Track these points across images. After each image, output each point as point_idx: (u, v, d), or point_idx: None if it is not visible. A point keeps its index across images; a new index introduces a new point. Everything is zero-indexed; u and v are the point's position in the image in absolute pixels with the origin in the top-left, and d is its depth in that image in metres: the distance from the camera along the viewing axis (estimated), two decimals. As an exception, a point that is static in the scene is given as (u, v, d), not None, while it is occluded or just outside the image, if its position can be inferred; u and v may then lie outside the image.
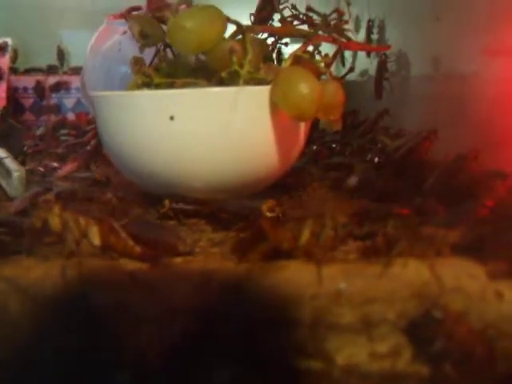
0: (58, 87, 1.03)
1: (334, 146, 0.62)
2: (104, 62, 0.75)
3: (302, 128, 0.44)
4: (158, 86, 0.42)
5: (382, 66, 0.65)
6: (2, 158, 0.57)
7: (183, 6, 0.43)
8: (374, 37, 0.74)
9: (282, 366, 0.23)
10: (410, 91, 0.67)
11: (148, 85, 0.42)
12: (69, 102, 1.04)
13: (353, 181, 0.42)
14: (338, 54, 0.51)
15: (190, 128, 0.38)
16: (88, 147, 0.73)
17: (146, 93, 0.40)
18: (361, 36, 0.84)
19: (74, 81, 1.03)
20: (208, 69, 0.45)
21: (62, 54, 1.08)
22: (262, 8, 0.53)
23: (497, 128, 0.49)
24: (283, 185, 0.47)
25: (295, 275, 0.23)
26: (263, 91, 0.39)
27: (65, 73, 1.06)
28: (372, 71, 0.71)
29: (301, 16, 0.50)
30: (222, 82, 0.41)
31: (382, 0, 0.76)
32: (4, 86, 1.00)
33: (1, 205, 0.48)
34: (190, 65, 0.47)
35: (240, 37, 0.43)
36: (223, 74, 0.41)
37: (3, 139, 0.70)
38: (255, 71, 0.41)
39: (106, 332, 0.23)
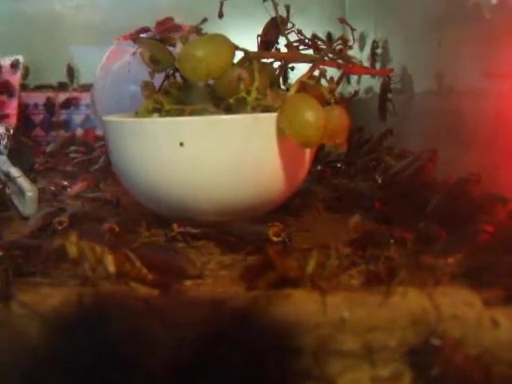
0: (67, 104, 1.05)
1: (338, 165, 0.63)
2: (114, 82, 0.76)
3: (308, 152, 0.45)
4: (168, 112, 0.43)
5: (385, 88, 0.66)
6: (16, 177, 0.59)
7: (193, 34, 0.45)
8: (378, 57, 0.76)
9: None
10: (414, 110, 0.68)
11: (158, 110, 0.43)
12: (78, 118, 1.06)
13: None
14: (343, 78, 0.52)
15: (199, 154, 0.39)
16: (97, 165, 0.74)
17: (157, 120, 0.41)
18: (365, 53, 0.86)
19: (84, 97, 1.05)
20: (216, 94, 0.46)
21: (71, 72, 1.10)
22: (267, 32, 0.55)
23: (498, 148, 0.50)
24: (288, 206, 0.48)
25: (300, 304, 0.24)
26: (270, 118, 0.40)
27: (74, 90, 1.08)
28: (377, 88, 0.72)
29: (306, 41, 0.52)
30: (229, 109, 0.43)
31: (388, 21, 0.77)
32: (15, 102, 1.03)
33: (14, 224, 0.50)
34: (198, 89, 0.49)
35: (247, 63, 0.44)
36: (231, 101, 0.42)
37: (15, 157, 0.72)
38: (262, 98, 0.43)
39: (120, 357, 0.24)
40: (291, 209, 0.49)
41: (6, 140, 0.73)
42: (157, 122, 0.40)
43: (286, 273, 0.26)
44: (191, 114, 0.42)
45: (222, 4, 0.48)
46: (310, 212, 0.50)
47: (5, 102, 1.02)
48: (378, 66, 0.76)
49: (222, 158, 0.40)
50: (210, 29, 0.53)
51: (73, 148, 0.88)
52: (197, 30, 0.45)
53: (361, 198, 0.52)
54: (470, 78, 0.55)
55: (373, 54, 0.74)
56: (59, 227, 0.41)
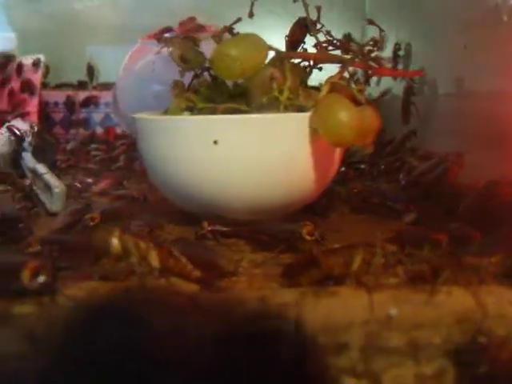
0: (87, 102, 1.05)
1: (361, 166, 0.64)
2: (137, 81, 0.77)
3: (338, 152, 0.45)
4: (200, 110, 0.43)
5: (409, 91, 0.66)
6: (43, 174, 0.59)
7: (226, 34, 0.45)
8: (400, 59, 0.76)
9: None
10: (437, 112, 0.68)
11: (190, 108, 0.43)
12: (97, 116, 1.06)
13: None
14: (370, 79, 0.52)
15: (232, 152, 0.39)
16: (119, 163, 0.75)
17: (192, 118, 0.41)
18: (385, 54, 0.86)
19: (103, 96, 1.06)
20: (245, 93, 0.47)
21: (91, 70, 1.10)
22: (294, 32, 0.55)
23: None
24: (314, 206, 0.48)
25: (347, 301, 0.25)
26: (303, 118, 0.40)
27: (94, 88, 1.09)
28: (396, 90, 0.72)
29: (335, 41, 0.52)
30: (261, 108, 0.43)
31: (410, 24, 0.78)
32: (36, 101, 1.04)
33: (41, 220, 0.50)
34: (227, 89, 0.49)
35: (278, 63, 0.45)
36: (263, 100, 0.42)
37: (38, 154, 0.73)
38: (294, 97, 0.43)
39: (162, 352, 0.24)
40: (317, 209, 0.49)
41: (30, 137, 0.74)
42: (191, 120, 0.40)
43: (331, 270, 0.26)
44: (223, 112, 0.42)
45: (252, 4, 0.49)
46: (336, 212, 0.51)
47: (26, 99, 1.04)
48: (400, 68, 0.76)
49: (254, 156, 0.40)
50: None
51: (93, 146, 0.89)
52: (229, 30, 0.45)
53: (385, 199, 0.52)
54: (495, 80, 0.55)
55: (395, 57, 0.74)
56: (91, 223, 0.42)
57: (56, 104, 1.08)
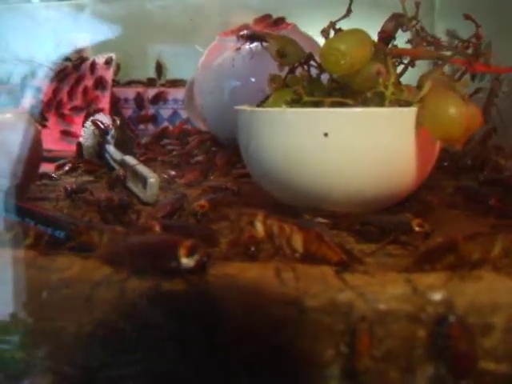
0: (156, 99, 1.08)
1: (444, 164, 0.63)
2: (214, 77, 0.79)
3: (438, 147, 0.46)
4: (305, 104, 0.44)
5: (494, 91, 0.65)
6: (134, 165, 0.62)
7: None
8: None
9: (470, 369, 0.25)
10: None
11: (295, 102, 0.45)
12: (165, 112, 1.09)
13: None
14: (464, 75, 0.52)
15: (342, 145, 0.40)
16: (197, 158, 0.77)
17: (306, 110, 0.42)
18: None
19: (171, 93, 1.09)
20: (343, 88, 0.47)
21: (160, 68, 1.13)
22: (386, 28, 0.55)
23: None
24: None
25: (492, 284, 0.25)
26: (411, 113, 0.41)
27: (162, 85, 1.12)
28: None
29: (428, 38, 0.52)
30: (366, 102, 0.44)
31: (490, 22, 0.77)
32: (108, 97, 1.08)
33: (136, 210, 0.52)
34: (322, 84, 0.50)
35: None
36: (369, 95, 0.43)
37: (120, 147, 0.76)
38: (398, 92, 0.44)
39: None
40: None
41: (113, 131, 0.77)
42: (305, 112, 0.41)
43: (469, 256, 0.27)
44: (330, 106, 0.43)
45: (351, 1, 0.49)
46: (428, 207, 0.51)
47: (99, 96, 1.07)
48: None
49: (363, 148, 0.41)
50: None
51: (167, 141, 0.91)
52: (333, 26, 0.46)
53: (476, 194, 0.52)
54: None
55: (475, 54, 0.73)
56: (200, 211, 0.43)
57: (126, 100, 1.11)
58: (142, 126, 1.09)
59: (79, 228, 0.34)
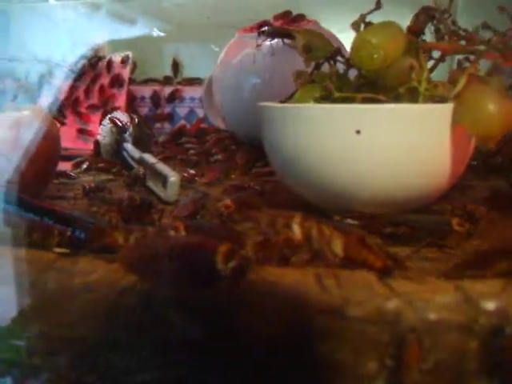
0: (173, 97, 1.07)
1: (473, 163, 0.61)
2: (234, 74, 0.77)
3: (472, 145, 0.44)
4: (334, 100, 0.43)
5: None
6: (154, 163, 0.60)
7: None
8: None
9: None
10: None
11: (326, 98, 0.43)
12: (182, 110, 1.08)
13: None
14: (496, 70, 0.50)
15: (375, 142, 0.39)
16: (217, 156, 0.75)
17: (339, 106, 0.40)
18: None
19: (188, 91, 1.08)
20: (372, 83, 0.46)
21: (176, 66, 1.12)
22: (416, 22, 0.53)
23: None
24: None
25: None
26: (446, 109, 0.39)
27: (179, 83, 1.11)
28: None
29: (460, 32, 0.50)
30: (398, 98, 0.42)
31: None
32: (124, 94, 1.07)
33: (159, 210, 0.51)
34: (348, 79, 0.48)
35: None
36: (401, 90, 0.41)
37: (138, 145, 0.74)
38: (432, 88, 0.42)
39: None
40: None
41: (131, 128, 0.76)
42: (335, 109, 0.40)
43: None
44: (362, 102, 0.41)
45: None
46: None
47: (115, 95, 1.07)
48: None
49: (397, 147, 0.39)
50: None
51: (185, 139, 0.90)
52: (363, 19, 0.45)
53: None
54: None
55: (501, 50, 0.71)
56: (225, 211, 0.42)
57: (142, 99, 1.10)
58: (158, 125, 1.08)
59: (102, 228, 0.32)
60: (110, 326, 0.28)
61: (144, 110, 1.10)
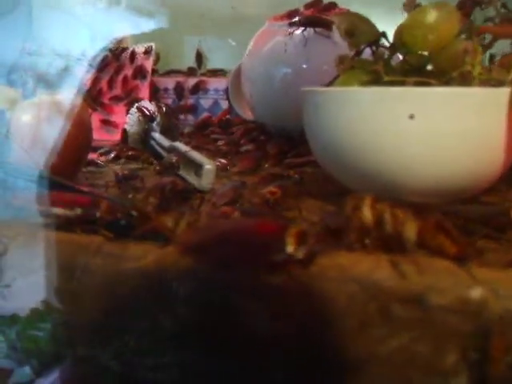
0: (196, 88, 1.06)
1: None
2: (264, 63, 0.76)
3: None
4: (383, 85, 0.41)
5: None
6: (186, 152, 0.59)
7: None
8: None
9: None
10: None
11: (374, 82, 0.41)
12: (206, 102, 1.07)
13: None
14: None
15: (428, 127, 0.37)
16: (246, 147, 0.74)
17: (390, 89, 0.39)
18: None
19: (212, 82, 1.07)
20: (416, 70, 0.44)
21: (200, 57, 1.11)
22: (463, 5, 0.52)
23: None
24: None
25: None
26: (502, 93, 0.37)
27: (203, 75, 1.09)
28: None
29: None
30: (451, 82, 0.40)
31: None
32: (147, 86, 1.06)
33: (199, 196, 0.49)
34: (393, 66, 0.46)
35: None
36: (454, 74, 0.40)
37: (166, 134, 0.73)
38: (486, 72, 0.40)
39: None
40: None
41: (159, 118, 0.74)
42: (388, 92, 0.38)
43: None
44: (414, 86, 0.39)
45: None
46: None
47: (138, 86, 1.06)
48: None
49: (452, 133, 0.37)
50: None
51: (211, 129, 0.89)
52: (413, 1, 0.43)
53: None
54: None
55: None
56: (272, 198, 0.40)
57: (166, 90, 1.09)
58: (181, 116, 1.07)
59: (148, 212, 0.31)
60: (164, 315, 0.27)
61: (167, 102, 1.08)
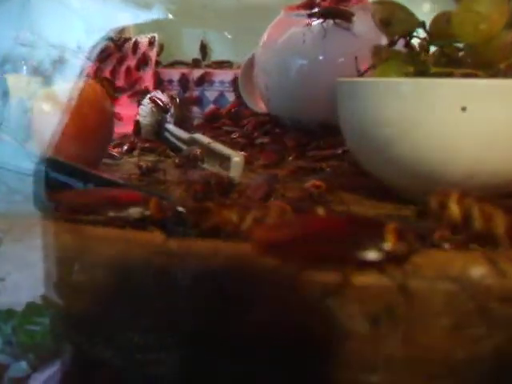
0: (202, 80, 1.04)
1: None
2: (279, 54, 0.74)
3: None
4: (431, 76, 0.40)
5: None
6: (209, 143, 0.58)
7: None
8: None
9: None
10: None
11: (420, 74, 0.40)
12: (211, 94, 1.05)
13: None
14: None
15: (480, 120, 0.36)
16: (261, 139, 0.73)
17: (443, 81, 0.38)
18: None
19: (217, 74, 1.05)
20: (455, 62, 0.43)
21: (204, 49, 1.09)
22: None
23: None
24: None
25: None
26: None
27: (208, 66, 1.07)
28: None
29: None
30: (498, 74, 0.40)
31: None
32: (151, 77, 1.04)
33: (238, 190, 0.48)
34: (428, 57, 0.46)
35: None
36: (502, 66, 0.39)
37: (179, 126, 0.72)
38: (534, 64, 0.39)
39: None
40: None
41: (172, 109, 0.73)
42: (445, 83, 0.37)
43: None
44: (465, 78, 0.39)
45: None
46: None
47: (141, 77, 1.04)
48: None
49: (505, 126, 0.36)
50: None
51: (222, 121, 0.87)
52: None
53: None
54: None
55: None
56: (316, 191, 0.39)
57: (170, 82, 1.07)
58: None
59: (207, 207, 0.29)
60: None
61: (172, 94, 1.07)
